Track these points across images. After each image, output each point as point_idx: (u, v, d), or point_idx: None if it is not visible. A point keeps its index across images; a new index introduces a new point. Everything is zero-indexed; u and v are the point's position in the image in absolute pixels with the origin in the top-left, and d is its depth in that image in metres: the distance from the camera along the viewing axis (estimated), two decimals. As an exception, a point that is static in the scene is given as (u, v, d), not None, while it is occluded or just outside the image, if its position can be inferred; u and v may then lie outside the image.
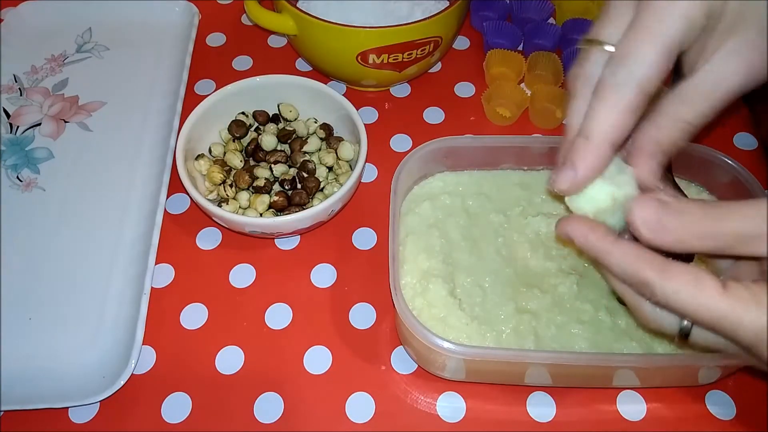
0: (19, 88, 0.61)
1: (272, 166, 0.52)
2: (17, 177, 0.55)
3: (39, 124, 0.59)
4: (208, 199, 0.49)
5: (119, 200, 0.53)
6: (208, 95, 0.53)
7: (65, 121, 0.59)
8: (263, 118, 0.55)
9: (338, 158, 0.52)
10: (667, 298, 0.28)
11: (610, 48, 0.32)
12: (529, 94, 0.59)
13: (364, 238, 0.52)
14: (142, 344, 0.45)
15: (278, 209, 0.50)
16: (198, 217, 0.53)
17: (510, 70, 0.62)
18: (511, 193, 0.49)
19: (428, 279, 0.44)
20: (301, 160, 0.52)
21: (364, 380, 0.45)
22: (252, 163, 0.53)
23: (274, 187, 0.52)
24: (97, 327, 0.47)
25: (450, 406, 0.44)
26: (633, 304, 0.33)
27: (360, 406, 0.44)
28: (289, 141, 0.54)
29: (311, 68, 0.63)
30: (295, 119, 0.55)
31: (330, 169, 0.52)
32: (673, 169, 0.44)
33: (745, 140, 0.58)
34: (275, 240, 0.52)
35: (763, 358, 0.27)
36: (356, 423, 0.43)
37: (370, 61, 0.55)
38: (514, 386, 0.44)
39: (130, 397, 0.44)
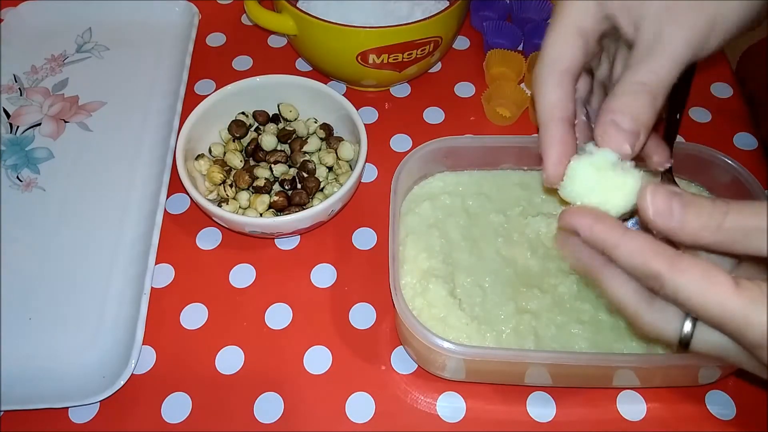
0: (19, 88, 0.61)
1: (272, 166, 0.52)
2: (17, 177, 0.55)
3: (39, 124, 0.59)
4: (208, 199, 0.49)
5: (119, 200, 0.53)
6: (208, 95, 0.53)
7: (65, 121, 0.59)
8: (263, 118, 0.55)
9: (338, 158, 0.52)
10: (676, 292, 0.28)
11: None
12: (529, 94, 0.59)
13: (364, 238, 0.52)
14: (142, 344, 0.45)
15: (278, 209, 0.50)
16: (198, 217, 0.53)
17: (510, 70, 0.62)
18: (511, 193, 0.49)
19: (428, 279, 0.44)
20: (301, 160, 0.52)
21: (364, 380, 0.45)
22: (252, 163, 0.53)
23: (274, 187, 0.52)
24: (97, 327, 0.47)
25: (450, 406, 0.44)
26: (632, 314, 0.32)
27: (360, 406, 0.44)
28: (289, 141, 0.54)
29: (311, 68, 0.63)
30: (295, 119, 0.55)
31: (330, 169, 0.52)
32: (673, 169, 0.44)
33: (745, 140, 0.58)
34: (275, 240, 0.52)
35: (764, 360, 0.27)
36: (356, 423, 0.43)
37: (370, 61, 0.55)
38: (514, 386, 0.44)
39: (130, 397, 0.44)
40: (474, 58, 0.64)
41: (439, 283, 0.44)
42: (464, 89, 0.62)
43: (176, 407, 0.44)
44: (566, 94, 0.35)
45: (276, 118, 0.56)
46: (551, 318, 0.43)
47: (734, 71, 0.64)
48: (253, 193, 0.51)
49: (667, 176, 0.44)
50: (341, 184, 0.51)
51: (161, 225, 0.50)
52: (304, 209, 0.47)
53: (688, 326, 0.30)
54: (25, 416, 0.43)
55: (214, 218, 0.49)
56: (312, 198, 0.51)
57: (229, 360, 0.46)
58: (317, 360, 0.46)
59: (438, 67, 0.64)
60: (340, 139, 0.53)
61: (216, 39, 0.66)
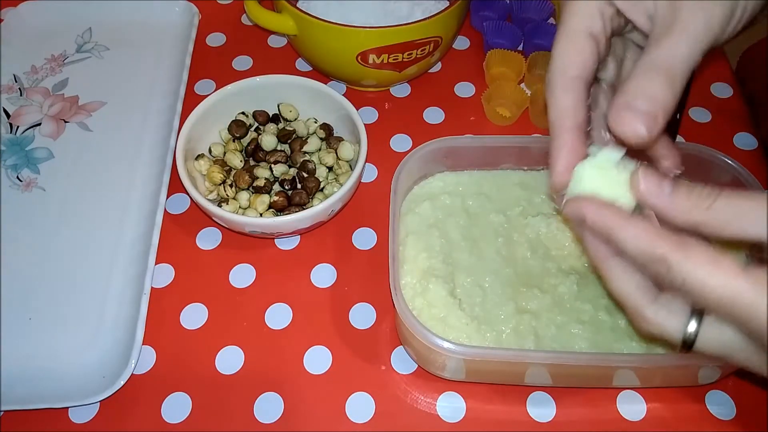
0: (19, 88, 0.61)
1: (272, 166, 0.52)
2: (17, 177, 0.55)
3: (39, 124, 0.59)
4: (208, 199, 0.49)
5: (119, 200, 0.53)
6: (208, 95, 0.53)
7: (65, 121, 0.59)
8: (263, 118, 0.55)
9: (338, 158, 0.52)
10: (683, 276, 0.28)
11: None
12: (529, 94, 0.59)
13: (364, 238, 0.52)
14: (142, 344, 0.45)
15: (278, 209, 0.50)
16: (198, 217, 0.53)
17: (510, 70, 0.62)
18: (511, 193, 0.49)
19: (428, 279, 0.44)
20: (301, 160, 0.52)
21: (364, 380, 0.45)
22: (252, 163, 0.53)
23: (274, 187, 0.52)
24: (97, 327, 0.47)
25: (450, 406, 0.44)
26: (634, 308, 0.32)
27: (360, 406, 0.44)
28: (289, 141, 0.54)
29: (311, 68, 0.63)
30: (295, 119, 0.55)
31: (330, 169, 0.52)
32: (674, 170, 0.44)
33: (745, 140, 0.58)
34: (275, 240, 0.52)
35: None
36: (356, 423, 0.43)
37: (370, 61, 0.55)
38: (514, 386, 0.44)
39: (130, 397, 0.44)
40: (474, 58, 0.64)
41: (439, 283, 0.44)
42: (464, 89, 0.62)
43: (176, 407, 0.44)
44: (578, 100, 0.34)
45: (276, 118, 0.56)
46: (551, 318, 0.43)
47: (734, 71, 0.64)
48: (253, 193, 0.51)
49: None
50: (341, 184, 0.51)
51: (161, 225, 0.50)
52: (304, 209, 0.47)
53: (693, 325, 0.30)
54: (25, 416, 0.43)
55: (214, 218, 0.49)
56: (312, 198, 0.51)
57: (229, 360, 0.46)
58: (317, 360, 0.46)
59: (438, 67, 0.64)
60: (340, 139, 0.53)
61: (216, 39, 0.66)
